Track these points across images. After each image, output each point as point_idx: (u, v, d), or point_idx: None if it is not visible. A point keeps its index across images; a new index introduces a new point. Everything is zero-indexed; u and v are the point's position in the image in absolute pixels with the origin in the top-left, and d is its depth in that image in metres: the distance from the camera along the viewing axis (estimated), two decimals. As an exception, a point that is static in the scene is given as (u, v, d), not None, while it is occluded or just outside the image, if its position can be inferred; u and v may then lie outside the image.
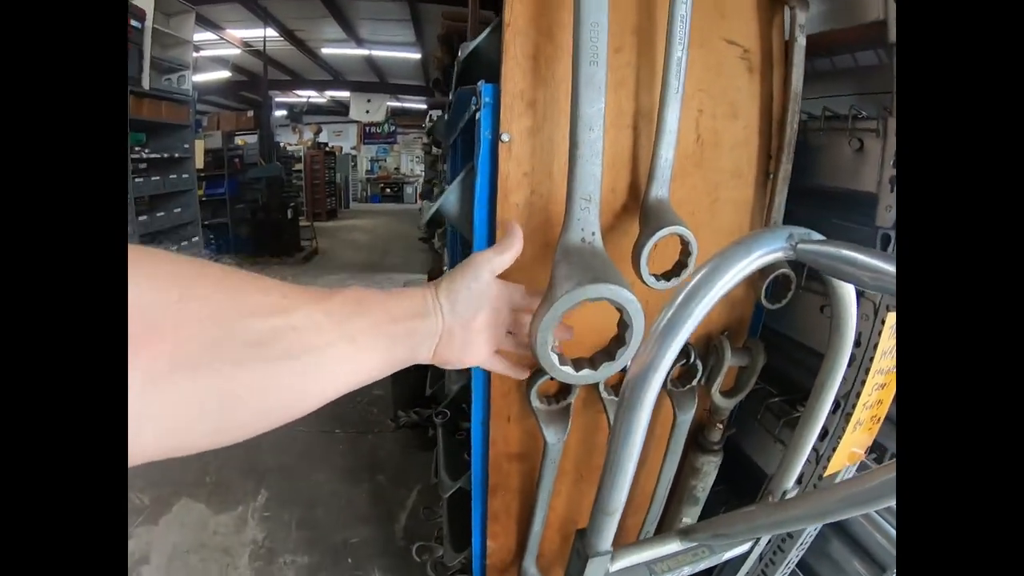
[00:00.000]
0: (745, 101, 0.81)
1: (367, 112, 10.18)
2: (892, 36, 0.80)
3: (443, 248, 2.14)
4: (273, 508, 2.11)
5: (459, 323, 0.46)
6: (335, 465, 2.42)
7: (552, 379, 0.63)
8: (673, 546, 0.57)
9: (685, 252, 0.63)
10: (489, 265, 0.49)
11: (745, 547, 0.65)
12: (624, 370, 0.58)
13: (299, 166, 8.87)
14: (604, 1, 0.56)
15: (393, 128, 13.40)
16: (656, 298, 0.67)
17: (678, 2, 0.66)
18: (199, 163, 4.39)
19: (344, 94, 10.42)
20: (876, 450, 0.89)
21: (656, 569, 0.55)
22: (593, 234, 0.54)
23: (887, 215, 0.79)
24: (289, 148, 9.31)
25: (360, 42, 7.47)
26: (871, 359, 0.75)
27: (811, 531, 0.88)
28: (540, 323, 0.49)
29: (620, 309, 0.50)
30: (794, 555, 0.88)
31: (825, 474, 0.82)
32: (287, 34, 7.11)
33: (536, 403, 0.71)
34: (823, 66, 1.29)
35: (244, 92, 9.67)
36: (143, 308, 0.26)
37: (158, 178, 3.85)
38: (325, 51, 7.92)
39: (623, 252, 0.65)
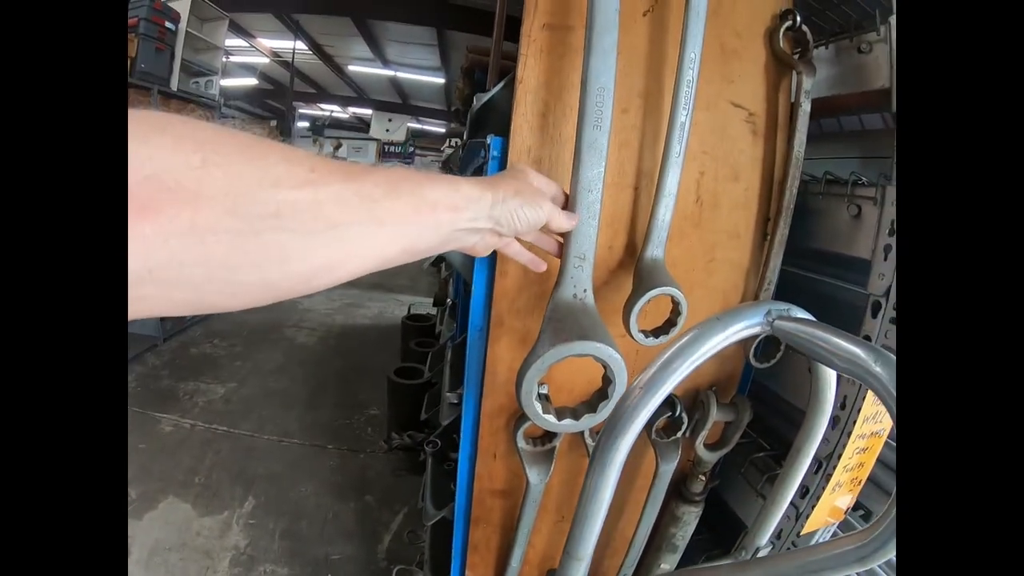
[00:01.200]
0: (747, 164, 0.84)
1: (387, 131, 10.45)
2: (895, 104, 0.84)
3: (449, 276, 2.18)
4: (259, 516, 2.11)
5: (500, 234, 0.50)
6: (324, 480, 2.41)
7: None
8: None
9: (675, 311, 0.65)
10: (547, 216, 0.52)
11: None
12: (609, 420, 0.59)
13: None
14: (612, 66, 0.60)
15: (412, 149, 13.74)
16: (646, 348, 0.70)
17: (685, 68, 0.70)
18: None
19: (366, 111, 10.70)
20: (860, 508, 0.89)
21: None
22: (585, 291, 0.57)
23: (879, 283, 0.81)
24: (309, 161, 9.56)
25: (386, 62, 7.69)
26: (854, 422, 0.77)
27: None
28: (526, 374, 0.51)
29: (604, 365, 0.53)
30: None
31: (803, 531, 0.83)
32: (316, 48, 7.34)
33: (522, 444, 0.73)
34: (830, 127, 1.32)
35: (269, 100, 9.93)
36: (165, 170, 0.26)
37: (180, 180, 3.92)
38: (351, 68, 8.16)
39: (616, 306, 0.67)
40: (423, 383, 2.66)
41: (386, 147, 13.46)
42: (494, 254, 0.69)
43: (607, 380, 0.53)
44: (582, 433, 0.77)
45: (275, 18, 5.96)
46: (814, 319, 0.47)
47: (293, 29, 6.17)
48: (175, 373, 3.31)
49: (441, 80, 8.37)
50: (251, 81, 8.80)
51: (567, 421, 0.55)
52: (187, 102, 3.89)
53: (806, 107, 0.86)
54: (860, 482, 0.82)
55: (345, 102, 10.40)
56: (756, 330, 0.45)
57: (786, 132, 0.87)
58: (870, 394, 0.75)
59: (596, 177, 0.57)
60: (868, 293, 0.83)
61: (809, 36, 0.86)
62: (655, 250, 0.67)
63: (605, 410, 0.54)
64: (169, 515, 2.06)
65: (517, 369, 0.55)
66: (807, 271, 0.99)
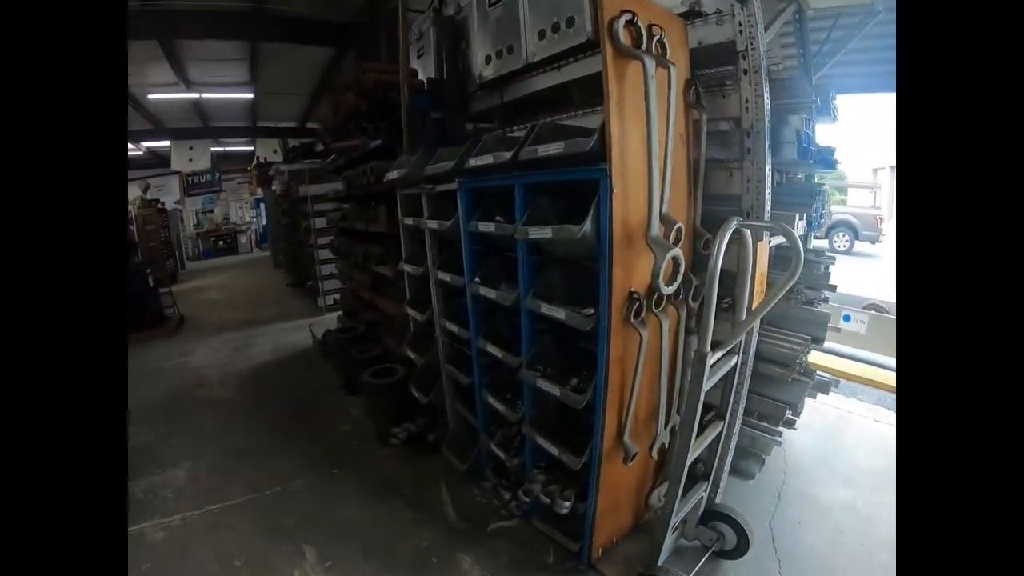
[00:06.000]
0: (681, 161, 1.81)
1: (190, 160, 9.86)
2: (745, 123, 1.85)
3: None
4: (329, 555, 2.27)
5: None
6: (354, 498, 2.68)
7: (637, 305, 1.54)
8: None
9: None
10: None
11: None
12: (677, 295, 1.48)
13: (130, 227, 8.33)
14: (656, 130, 1.47)
15: (218, 175, 13.14)
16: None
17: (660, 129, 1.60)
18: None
19: (164, 144, 9.88)
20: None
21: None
22: (656, 232, 1.46)
23: (745, 205, 1.85)
24: (115, 208, 8.56)
25: (189, 84, 7.40)
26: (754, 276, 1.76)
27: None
28: (660, 264, 1.38)
29: (676, 262, 1.42)
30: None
31: (754, 306, 1.82)
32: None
33: (633, 321, 1.59)
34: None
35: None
36: None
37: None
38: (152, 96, 7.61)
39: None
40: (402, 378, 3.07)
41: (190, 179, 12.46)
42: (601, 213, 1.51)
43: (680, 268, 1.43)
44: (654, 307, 1.65)
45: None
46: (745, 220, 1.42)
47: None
48: (115, 478, 3.10)
49: (249, 95, 8.36)
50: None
51: (670, 287, 1.43)
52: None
53: (703, 131, 1.88)
54: (762, 294, 1.83)
55: (138, 137, 9.41)
56: (734, 226, 1.37)
57: (695, 142, 1.88)
58: (760, 260, 1.75)
59: (656, 174, 1.46)
60: (741, 207, 1.86)
61: (701, 91, 1.84)
62: (665, 207, 1.59)
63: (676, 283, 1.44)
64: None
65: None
66: (713, 203, 2.02)
